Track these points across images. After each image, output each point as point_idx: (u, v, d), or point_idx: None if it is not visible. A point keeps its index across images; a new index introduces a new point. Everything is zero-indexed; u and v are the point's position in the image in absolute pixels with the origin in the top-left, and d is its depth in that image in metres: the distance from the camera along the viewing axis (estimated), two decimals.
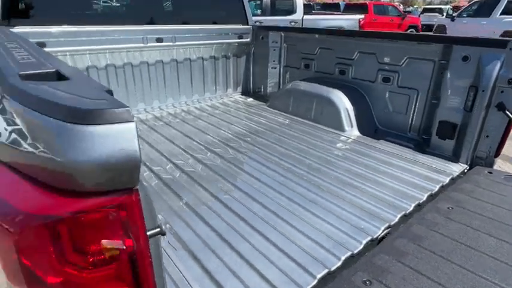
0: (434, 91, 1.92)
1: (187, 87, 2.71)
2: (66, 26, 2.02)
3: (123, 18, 2.29)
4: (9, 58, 0.69)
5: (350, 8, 14.11)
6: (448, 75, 1.79)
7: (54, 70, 0.57)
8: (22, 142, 0.35)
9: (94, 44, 2.11)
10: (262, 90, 2.99)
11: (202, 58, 2.69)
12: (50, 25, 1.99)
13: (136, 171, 0.34)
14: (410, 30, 14.59)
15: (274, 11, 8.68)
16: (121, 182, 0.34)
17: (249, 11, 2.85)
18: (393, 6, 14.54)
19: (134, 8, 2.40)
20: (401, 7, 20.23)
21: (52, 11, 2.02)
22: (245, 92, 3.09)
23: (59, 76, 0.56)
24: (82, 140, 0.31)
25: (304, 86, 2.41)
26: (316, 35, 2.46)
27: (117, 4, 2.42)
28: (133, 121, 0.34)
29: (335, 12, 12.40)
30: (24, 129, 0.36)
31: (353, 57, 2.27)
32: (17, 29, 1.85)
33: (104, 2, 2.36)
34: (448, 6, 22.25)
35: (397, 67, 2.06)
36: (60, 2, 2.05)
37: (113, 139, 0.32)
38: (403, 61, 2.03)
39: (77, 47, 2.07)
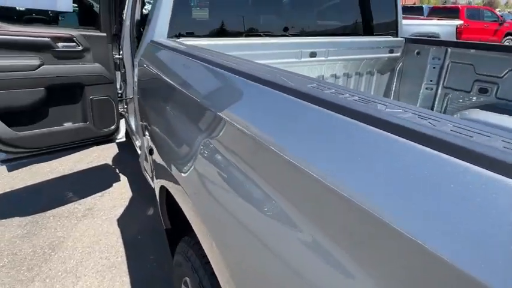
0: None
1: None
2: (224, 39, 1.81)
3: (280, 29, 2.04)
4: None
5: (437, 12, 12.85)
6: None
7: None
8: None
9: (254, 58, 1.88)
10: None
11: (348, 75, 2.34)
12: (207, 38, 1.80)
13: None
14: (508, 38, 12.88)
15: None
16: None
17: (401, 21, 2.44)
18: (489, 10, 12.90)
19: (292, 18, 2.14)
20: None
21: (211, 24, 1.83)
22: None
23: None
24: None
25: (493, 118, 1.93)
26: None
27: (274, 14, 2.17)
28: None
29: (421, 17, 11.34)
30: None
31: None
32: (183, 41, 1.68)
33: (258, 13, 2.12)
34: None
35: None
36: (219, 16, 1.86)
37: None
38: None
39: None
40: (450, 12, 12.24)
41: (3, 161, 2.18)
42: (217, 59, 1.09)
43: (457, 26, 8.42)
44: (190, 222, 1.03)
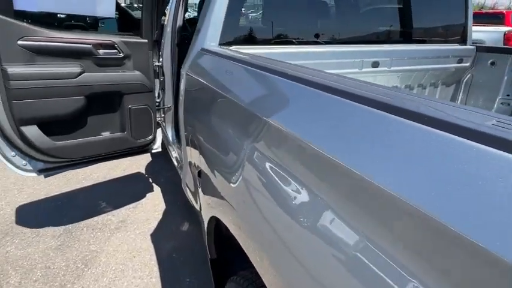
0: None
1: None
2: (280, 47, 1.63)
3: (340, 36, 1.83)
4: None
5: (478, 18, 12.10)
6: None
7: None
8: None
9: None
10: None
11: (410, 87, 2.09)
12: (261, 45, 1.63)
13: None
14: None
15: None
16: None
17: (471, 26, 2.16)
18: None
19: (353, 24, 1.93)
20: None
21: (265, 31, 1.66)
22: None
23: None
24: None
25: None
26: None
27: (334, 20, 1.96)
28: None
29: None
30: None
31: None
32: (238, 49, 1.52)
33: (317, 18, 1.92)
34: None
35: None
36: (274, 23, 1.69)
37: None
38: None
39: None
40: (493, 18, 11.50)
41: (41, 171, 2.11)
42: (291, 70, 0.91)
43: (505, 32, 7.82)
44: (255, 266, 0.86)
